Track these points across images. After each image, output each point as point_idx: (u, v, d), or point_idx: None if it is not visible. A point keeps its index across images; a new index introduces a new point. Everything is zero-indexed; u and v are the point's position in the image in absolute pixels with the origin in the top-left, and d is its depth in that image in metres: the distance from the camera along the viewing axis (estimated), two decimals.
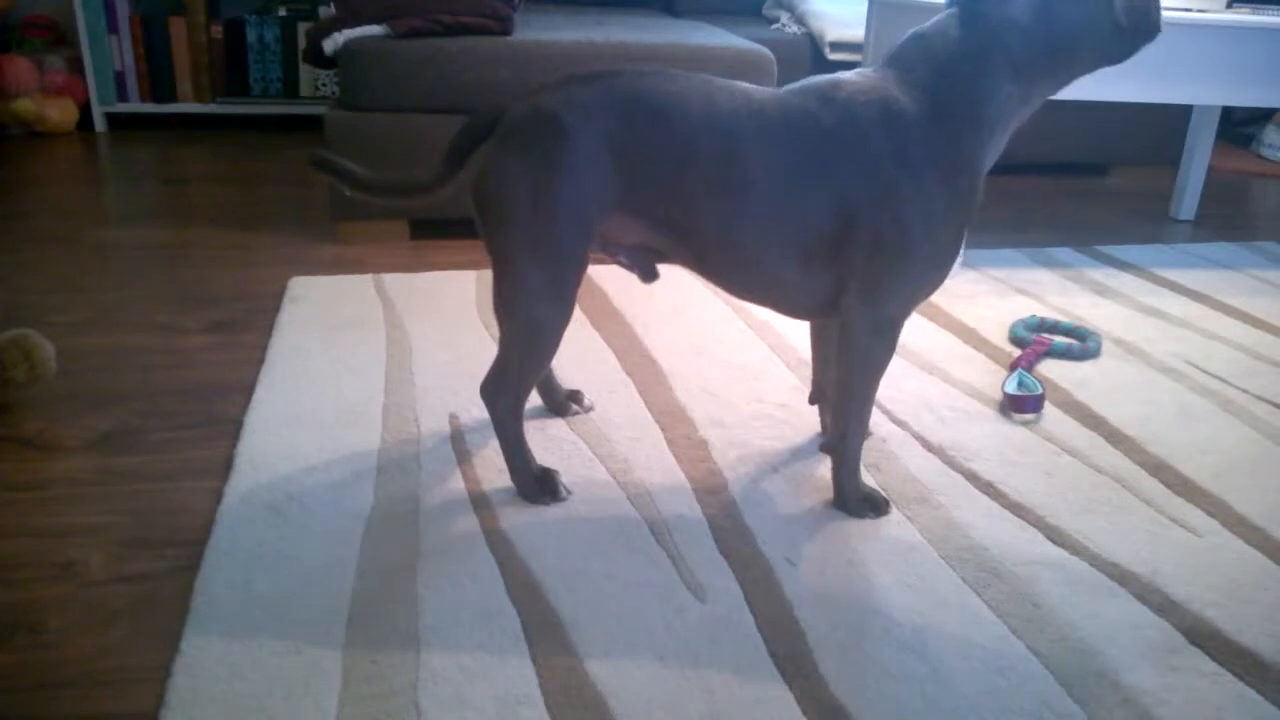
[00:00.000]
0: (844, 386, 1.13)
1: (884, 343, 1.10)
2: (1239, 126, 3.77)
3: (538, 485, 1.18)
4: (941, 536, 1.15)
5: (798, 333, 1.72)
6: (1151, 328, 1.82)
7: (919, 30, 1.09)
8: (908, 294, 1.08)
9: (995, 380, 1.57)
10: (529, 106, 1.07)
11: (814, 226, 1.06)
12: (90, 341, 1.61)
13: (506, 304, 1.11)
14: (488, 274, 1.95)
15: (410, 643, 0.94)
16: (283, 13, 3.28)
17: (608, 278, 1.96)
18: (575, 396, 1.42)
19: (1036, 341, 1.64)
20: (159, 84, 3.26)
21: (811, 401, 1.37)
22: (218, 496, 1.18)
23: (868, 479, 1.26)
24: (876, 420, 1.42)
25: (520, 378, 1.14)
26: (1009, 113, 1.08)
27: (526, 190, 1.05)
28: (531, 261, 1.07)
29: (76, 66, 3.21)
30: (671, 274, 1.96)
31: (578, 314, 1.77)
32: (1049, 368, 1.62)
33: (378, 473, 1.23)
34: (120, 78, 3.22)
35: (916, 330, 1.76)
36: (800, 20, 3.01)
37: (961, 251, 2.04)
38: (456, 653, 0.93)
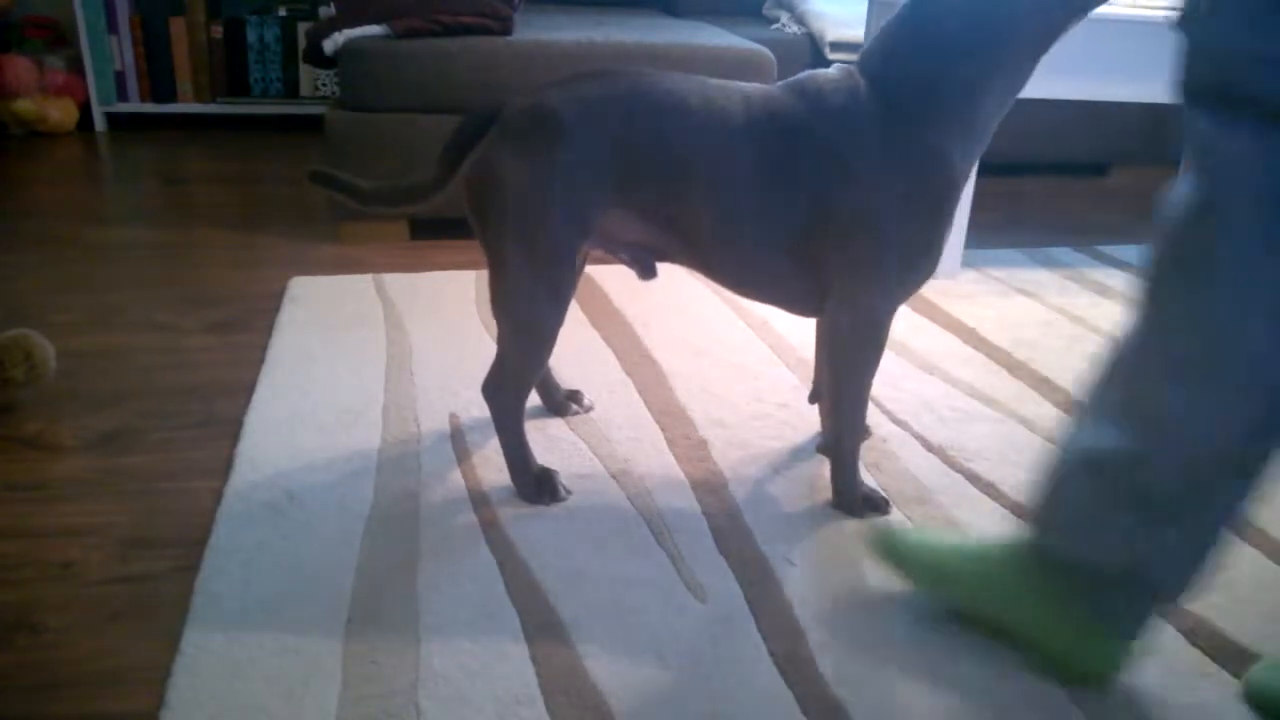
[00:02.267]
0: (835, 387, 1.13)
1: (870, 341, 1.10)
2: None
3: (537, 485, 1.18)
4: None
5: (797, 333, 1.72)
6: None
7: (886, 23, 1.08)
8: (887, 291, 1.07)
9: (995, 380, 1.57)
10: (527, 104, 1.06)
11: (792, 222, 1.06)
12: (90, 341, 1.61)
13: (503, 302, 1.11)
14: (487, 273, 1.95)
15: (410, 643, 0.94)
16: (283, 13, 3.27)
17: (608, 278, 1.96)
18: (575, 396, 1.42)
19: None
20: (159, 84, 3.25)
21: (811, 400, 1.37)
22: (218, 496, 1.18)
23: (868, 479, 1.26)
24: (876, 420, 1.42)
25: (519, 376, 1.15)
26: (977, 99, 1.03)
27: (524, 187, 1.05)
28: (528, 259, 1.07)
29: (76, 66, 3.21)
30: (672, 273, 1.96)
31: (578, 314, 1.77)
32: (1050, 367, 1.62)
33: (378, 472, 1.23)
34: (120, 78, 3.22)
35: (916, 330, 1.76)
36: (800, 20, 3.01)
37: (961, 251, 2.04)
38: (456, 653, 0.93)
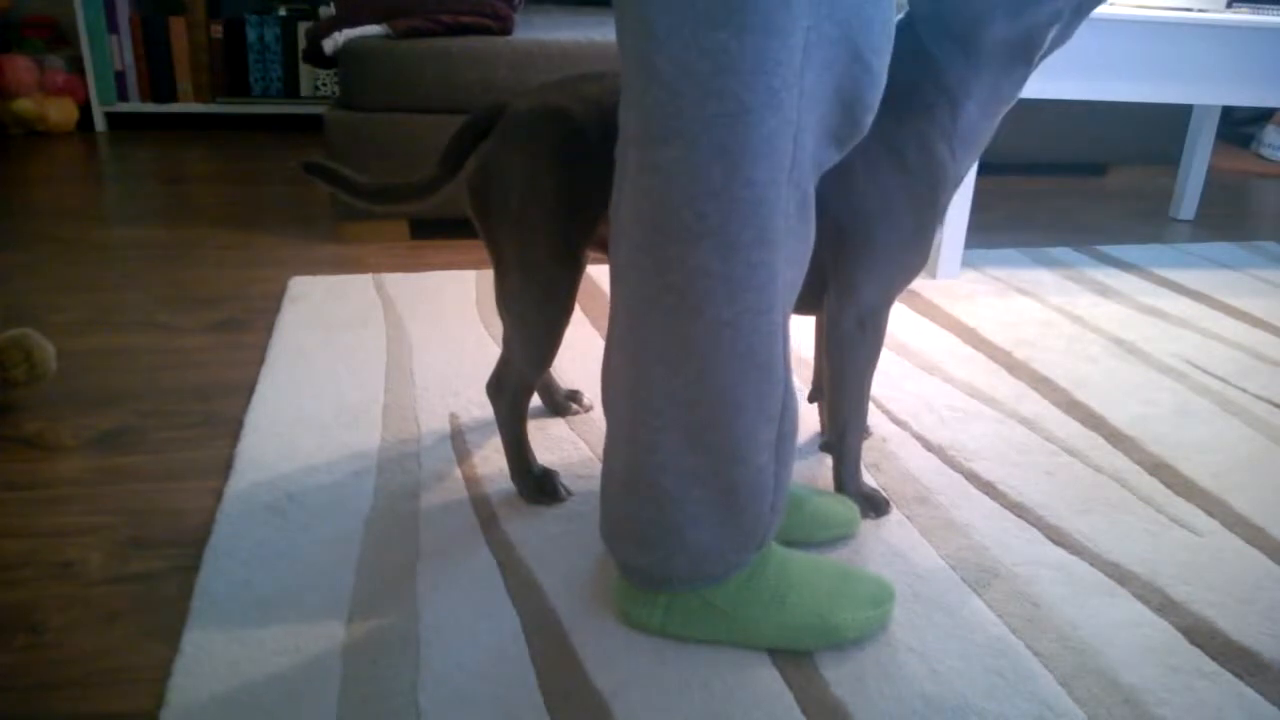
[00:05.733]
0: (837, 384, 1.13)
1: (869, 336, 1.10)
2: (1239, 126, 3.77)
3: (538, 486, 1.18)
4: (941, 536, 1.15)
5: (796, 332, 1.71)
6: (1151, 328, 1.82)
7: None
8: (882, 283, 1.07)
9: (995, 380, 1.57)
10: (532, 104, 1.06)
11: None
12: (90, 341, 1.61)
13: (508, 302, 1.11)
14: (488, 274, 1.95)
15: (410, 643, 0.94)
16: (283, 13, 3.28)
17: (607, 278, 1.96)
18: (575, 396, 1.42)
19: None
20: (159, 84, 3.26)
21: (811, 399, 1.37)
22: (218, 496, 1.18)
23: (868, 479, 1.26)
24: (876, 420, 1.42)
25: (522, 375, 1.14)
26: (959, 106, 1.02)
27: (529, 187, 1.04)
28: (532, 259, 1.07)
29: (76, 66, 3.21)
30: None
31: (578, 314, 1.77)
32: (1050, 367, 1.62)
33: (378, 473, 1.23)
34: (120, 78, 3.22)
35: (916, 330, 1.76)
36: None
37: (961, 251, 2.04)
38: (456, 653, 0.93)
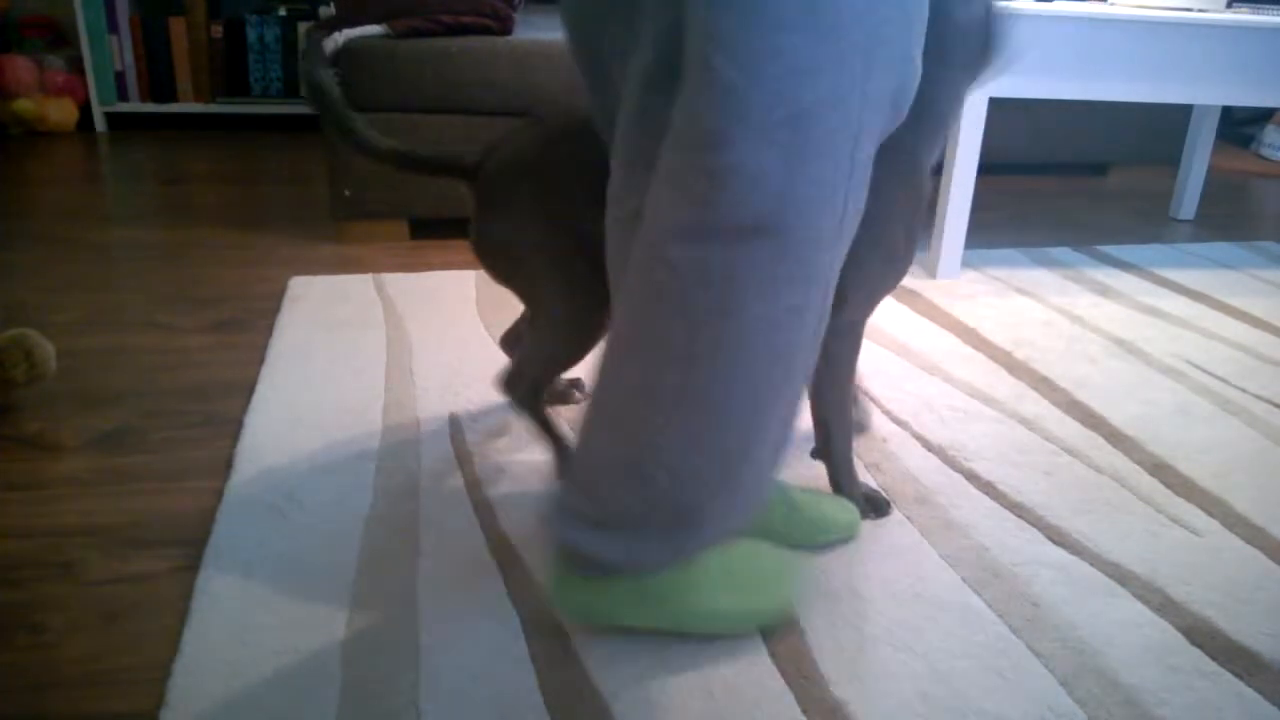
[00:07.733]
0: (820, 392, 1.13)
1: (848, 344, 1.11)
2: (1239, 126, 3.77)
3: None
4: (941, 536, 1.15)
5: None
6: (1151, 328, 1.82)
7: None
8: (865, 297, 1.08)
9: (995, 380, 1.57)
10: (503, 159, 1.11)
11: None
12: (90, 341, 1.61)
13: (549, 342, 1.15)
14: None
15: (410, 643, 0.94)
16: (283, 13, 3.28)
17: None
18: (577, 384, 1.42)
19: None
20: (159, 84, 3.26)
21: None
22: (218, 496, 1.18)
23: (868, 479, 1.26)
24: (876, 420, 1.42)
25: (536, 375, 1.18)
26: (940, 101, 1.02)
27: (525, 241, 1.09)
28: (558, 296, 1.11)
29: (76, 66, 3.21)
30: None
31: None
32: (1050, 367, 1.62)
33: (378, 473, 1.23)
34: (120, 78, 3.22)
35: (916, 330, 1.76)
36: None
37: (961, 251, 2.04)
38: (456, 653, 0.93)
